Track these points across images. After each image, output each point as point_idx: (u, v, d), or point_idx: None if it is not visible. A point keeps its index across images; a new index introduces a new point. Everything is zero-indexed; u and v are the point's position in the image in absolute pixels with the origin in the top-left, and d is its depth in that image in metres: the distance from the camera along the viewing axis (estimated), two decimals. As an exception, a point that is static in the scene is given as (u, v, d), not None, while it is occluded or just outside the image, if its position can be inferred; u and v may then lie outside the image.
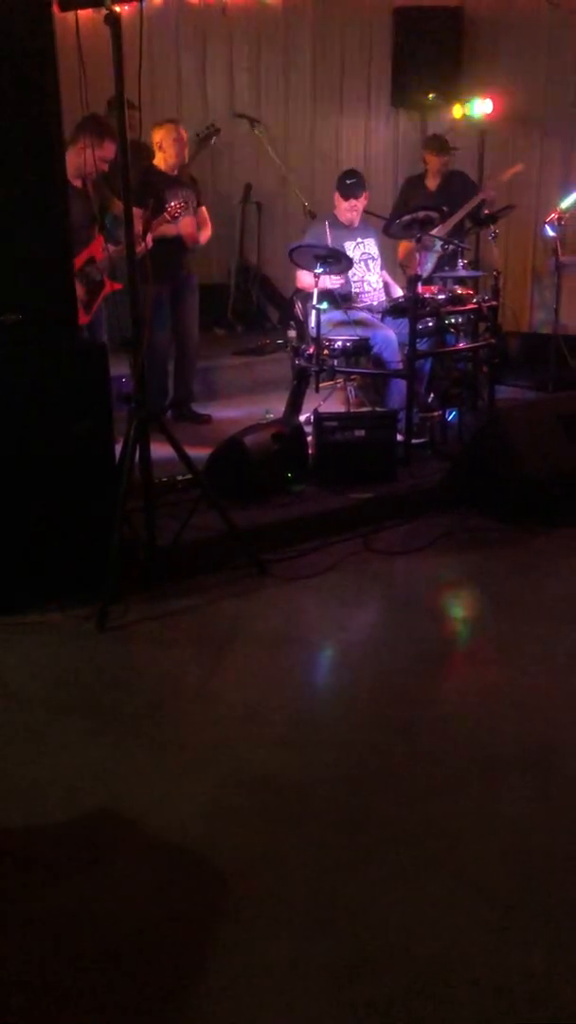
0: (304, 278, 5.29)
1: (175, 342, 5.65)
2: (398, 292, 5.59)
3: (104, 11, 3.24)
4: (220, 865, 2.25)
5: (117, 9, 3.26)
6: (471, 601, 3.94)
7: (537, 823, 2.39)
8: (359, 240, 5.47)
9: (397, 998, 1.86)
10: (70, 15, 3.55)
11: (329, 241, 5.24)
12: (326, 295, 5.03)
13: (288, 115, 7.53)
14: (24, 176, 3.35)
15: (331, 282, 5.25)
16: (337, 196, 5.43)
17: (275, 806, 2.46)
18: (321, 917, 2.07)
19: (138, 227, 4.48)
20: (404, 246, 6.00)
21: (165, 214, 5.01)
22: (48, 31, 3.31)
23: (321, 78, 7.43)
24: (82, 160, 4.60)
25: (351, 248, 5.36)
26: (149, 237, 4.90)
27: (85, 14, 3.60)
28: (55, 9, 3.44)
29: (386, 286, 5.63)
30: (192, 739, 2.76)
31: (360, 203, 5.43)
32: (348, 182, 5.37)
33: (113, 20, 3.22)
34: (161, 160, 5.39)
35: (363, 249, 5.48)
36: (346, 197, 5.39)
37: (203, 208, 5.58)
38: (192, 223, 5.41)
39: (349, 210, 5.42)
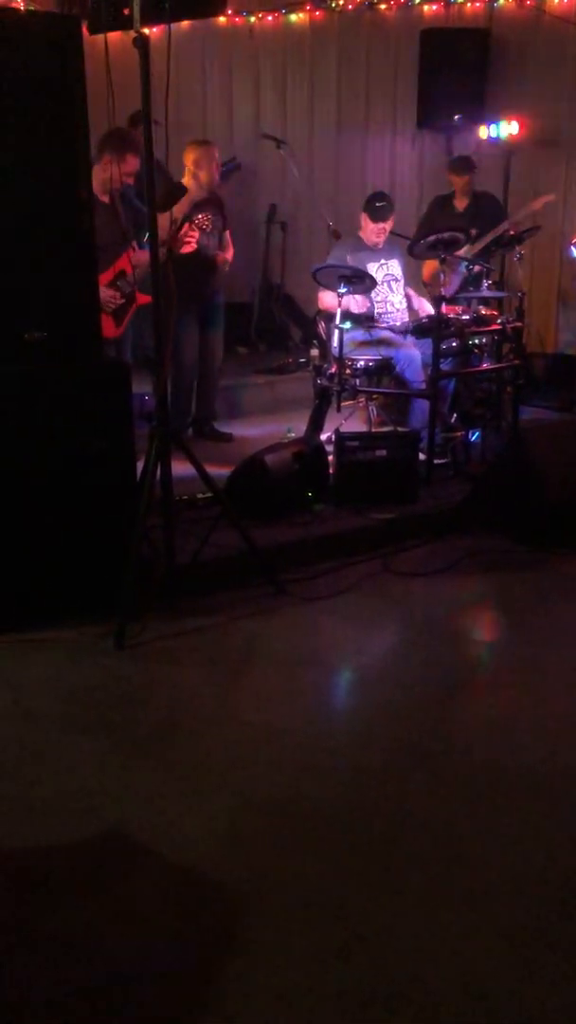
0: (327, 298, 5.29)
1: (199, 361, 5.67)
2: (420, 304, 5.56)
3: (133, 33, 3.27)
4: (232, 890, 2.21)
5: (146, 31, 3.28)
6: (492, 624, 3.89)
7: (557, 852, 2.33)
8: (383, 261, 5.46)
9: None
10: (99, 35, 3.58)
11: (354, 261, 5.24)
12: (349, 316, 5.02)
13: (314, 135, 7.56)
14: (50, 194, 3.38)
15: (355, 306, 5.25)
16: (365, 218, 5.43)
17: (289, 831, 2.42)
18: (335, 946, 2.03)
19: (163, 235, 4.50)
20: (429, 266, 5.99)
21: (194, 223, 5.04)
22: (77, 53, 3.34)
23: (347, 99, 7.46)
24: (108, 175, 4.63)
25: (375, 269, 5.35)
26: (191, 236, 4.96)
27: (114, 34, 3.63)
28: (84, 31, 3.48)
29: (408, 300, 5.61)
30: (206, 761, 2.73)
31: (388, 225, 5.44)
32: (378, 205, 5.37)
33: (142, 43, 3.24)
34: (194, 179, 5.40)
35: (387, 270, 5.47)
36: (375, 220, 5.39)
37: (227, 232, 5.62)
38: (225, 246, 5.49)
39: (376, 232, 5.42)
